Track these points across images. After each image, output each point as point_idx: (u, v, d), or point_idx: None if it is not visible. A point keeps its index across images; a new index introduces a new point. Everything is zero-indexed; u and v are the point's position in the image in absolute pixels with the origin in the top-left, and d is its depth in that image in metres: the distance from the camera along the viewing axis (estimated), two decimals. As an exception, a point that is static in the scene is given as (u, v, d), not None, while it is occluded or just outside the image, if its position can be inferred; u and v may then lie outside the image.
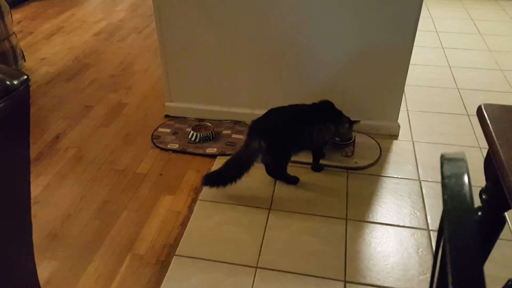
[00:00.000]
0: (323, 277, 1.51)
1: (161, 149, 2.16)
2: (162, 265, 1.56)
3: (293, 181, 1.93)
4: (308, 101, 1.92)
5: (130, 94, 2.65)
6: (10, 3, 2.84)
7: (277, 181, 1.94)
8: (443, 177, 0.51)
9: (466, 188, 0.49)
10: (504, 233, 1.16)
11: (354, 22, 2.00)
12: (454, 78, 2.82)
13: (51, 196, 1.89)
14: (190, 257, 1.59)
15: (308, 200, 1.85)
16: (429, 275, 1.52)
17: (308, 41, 2.09)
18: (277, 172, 1.93)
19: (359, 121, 1.99)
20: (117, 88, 2.72)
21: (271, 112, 1.85)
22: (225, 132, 2.27)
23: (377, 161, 2.06)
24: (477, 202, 1.07)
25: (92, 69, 2.94)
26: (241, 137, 2.22)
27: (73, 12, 3.94)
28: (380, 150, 2.13)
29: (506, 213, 1.06)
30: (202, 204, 1.83)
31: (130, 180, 1.97)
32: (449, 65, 2.99)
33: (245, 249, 1.62)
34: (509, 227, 1.70)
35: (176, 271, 1.54)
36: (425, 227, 1.72)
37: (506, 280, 1.22)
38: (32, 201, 1.02)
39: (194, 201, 1.85)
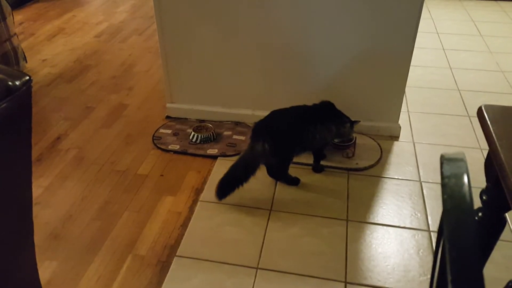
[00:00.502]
0: (324, 278, 1.51)
1: (162, 150, 2.17)
2: (163, 266, 1.57)
3: (294, 182, 1.93)
4: (309, 102, 1.93)
5: (131, 95, 2.66)
6: (11, 4, 2.85)
7: (278, 182, 1.94)
8: (442, 177, 0.51)
9: (466, 188, 0.49)
10: (505, 234, 1.16)
11: (355, 23, 2.00)
12: (455, 79, 2.82)
13: (52, 197, 1.89)
14: (191, 258, 1.59)
15: (308, 201, 1.85)
16: (429, 276, 1.52)
17: (309, 42, 2.09)
18: (279, 173, 1.93)
19: (360, 121, 2.00)
20: (118, 89, 2.72)
21: (274, 114, 1.85)
22: (226, 133, 2.27)
23: (378, 162, 2.06)
24: (478, 203, 1.07)
25: (93, 70, 2.95)
26: (242, 138, 2.22)
27: (75, 14, 3.95)
28: (381, 151, 2.13)
29: (506, 214, 1.07)
30: (203, 205, 1.83)
31: (131, 181, 1.98)
32: (450, 66, 2.99)
33: (246, 250, 1.62)
34: (510, 228, 1.70)
35: (177, 272, 1.54)
36: (426, 228, 1.72)
37: (506, 282, 1.22)
38: (33, 202, 1.03)
39: (195, 202, 1.85)
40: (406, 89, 2.24)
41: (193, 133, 2.21)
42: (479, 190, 1.07)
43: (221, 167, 2.03)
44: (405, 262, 1.58)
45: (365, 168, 2.02)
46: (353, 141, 2.09)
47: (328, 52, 2.10)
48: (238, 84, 2.27)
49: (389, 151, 2.15)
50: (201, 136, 2.19)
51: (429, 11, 3.97)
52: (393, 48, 2.03)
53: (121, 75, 2.89)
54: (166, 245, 1.65)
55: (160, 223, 1.75)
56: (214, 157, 2.11)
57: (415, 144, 2.20)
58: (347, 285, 1.49)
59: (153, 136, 2.26)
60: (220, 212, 1.79)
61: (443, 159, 0.53)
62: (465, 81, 2.79)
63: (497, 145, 0.89)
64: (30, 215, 1.02)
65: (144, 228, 1.73)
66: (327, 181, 1.97)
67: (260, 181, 1.92)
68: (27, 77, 0.81)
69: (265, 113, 1.88)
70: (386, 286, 1.49)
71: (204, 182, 1.96)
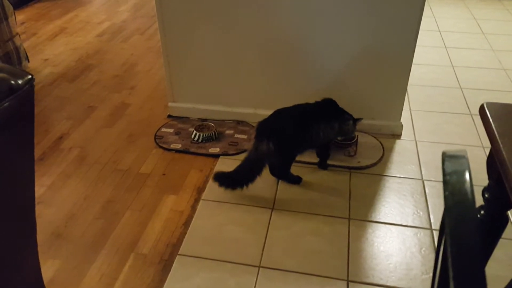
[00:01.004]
0: (326, 277, 1.52)
1: (164, 149, 2.17)
2: (165, 265, 1.57)
3: (296, 181, 1.93)
4: (311, 100, 1.93)
5: (133, 94, 2.66)
6: (13, 4, 2.85)
7: (280, 181, 1.94)
8: (444, 174, 0.51)
9: (468, 185, 0.49)
10: (507, 232, 1.16)
11: (357, 21, 2.00)
12: (457, 77, 2.81)
13: (55, 196, 1.90)
14: (193, 256, 1.60)
15: (310, 199, 1.85)
16: (432, 274, 1.52)
17: (311, 40, 2.09)
18: (281, 172, 1.93)
19: (363, 118, 2.00)
20: (120, 89, 2.73)
21: (277, 113, 1.85)
22: (228, 132, 2.27)
23: (380, 160, 2.06)
24: (480, 201, 1.07)
25: (95, 70, 2.95)
26: (244, 137, 2.22)
27: (77, 13, 3.95)
28: (383, 150, 2.13)
29: (509, 212, 1.06)
30: (205, 203, 1.84)
31: (133, 180, 1.98)
32: (452, 64, 2.98)
33: (248, 248, 1.63)
34: (513, 226, 1.69)
35: (179, 271, 1.54)
36: (428, 226, 1.72)
37: (509, 280, 1.21)
38: (36, 201, 1.03)
39: (197, 200, 1.86)
40: (408, 88, 2.24)
41: (195, 132, 2.21)
42: (481, 188, 1.07)
43: (223, 166, 2.03)
44: (407, 260, 1.58)
45: (367, 167, 2.02)
46: (355, 139, 2.09)
47: (329, 50, 2.10)
48: (239, 83, 2.27)
49: (391, 149, 2.15)
50: (203, 135, 2.19)
51: (431, 9, 3.96)
52: (395, 46, 2.03)
53: (123, 75, 2.90)
54: (168, 244, 1.65)
55: (162, 222, 1.75)
56: (216, 156, 2.11)
57: (417, 143, 2.19)
58: (349, 283, 1.50)
59: (155, 135, 2.27)
60: (222, 210, 1.80)
61: (445, 156, 0.53)
62: (467, 79, 2.78)
63: (499, 143, 0.89)
64: (33, 214, 1.02)
65: (146, 227, 1.73)
66: (329, 179, 1.97)
67: (262, 180, 1.92)
68: (30, 76, 0.81)
69: (267, 112, 1.88)
70: (388, 284, 1.49)
71: (206, 181, 1.96)
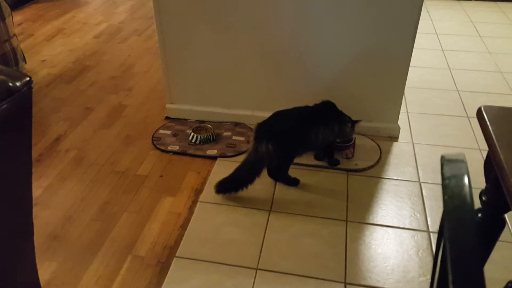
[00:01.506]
0: (323, 279, 1.51)
1: (162, 150, 2.17)
2: (163, 267, 1.56)
3: (293, 182, 1.93)
4: (309, 103, 1.93)
5: (130, 96, 2.66)
6: (11, 5, 2.85)
7: (278, 183, 1.94)
8: (443, 178, 0.51)
9: (466, 189, 0.49)
10: (504, 235, 1.16)
11: (355, 24, 2.00)
12: (454, 80, 2.82)
13: (52, 197, 1.89)
14: (190, 258, 1.59)
15: (308, 201, 1.85)
16: (429, 277, 1.52)
17: (308, 43, 2.09)
18: (279, 174, 1.93)
19: (361, 120, 2.00)
20: (118, 90, 2.72)
21: (276, 115, 1.86)
22: (225, 133, 2.27)
23: (377, 163, 2.07)
24: (477, 204, 1.07)
25: (92, 71, 2.95)
26: (242, 138, 2.22)
27: (74, 14, 3.94)
28: (380, 152, 2.13)
29: (506, 215, 1.07)
30: (203, 205, 1.83)
31: (131, 181, 1.98)
32: (449, 67, 2.99)
33: (246, 250, 1.62)
34: (509, 228, 1.70)
35: (177, 273, 1.54)
36: (425, 229, 1.72)
37: (506, 282, 1.22)
38: (33, 202, 1.03)
39: (194, 202, 1.85)
40: (405, 90, 2.25)
41: (192, 133, 2.21)
42: (479, 191, 1.07)
43: (220, 168, 2.03)
44: (405, 262, 1.58)
45: (365, 169, 2.03)
46: (352, 142, 2.10)
47: (327, 53, 2.10)
48: (237, 85, 2.27)
49: (388, 151, 2.15)
50: (200, 137, 2.19)
51: (428, 12, 3.98)
52: (392, 49, 2.03)
53: (121, 76, 2.89)
54: (165, 246, 1.65)
55: (159, 223, 1.75)
56: (213, 158, 2.11)
57: (414, 145, 2.20)
58: (347, 285, 1.50)
59: (153, 136, 2.26)
60: (219, 212, 1.79)
61: (444, 160, 0.53)
62: (464, 82, 2.79)
63: (497, 146, 0.90)
64: (30, 216, 1.02)
65: (144, 229, 1.73)
66: (327, 181, 1.97)
67: (259, 182, 1.92)
68: (28, 78, 0.81)
69: (265, 113, 1.88)
70: (386, 286, 1.49)
71: (203, 183, 1.96)
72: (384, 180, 1.97)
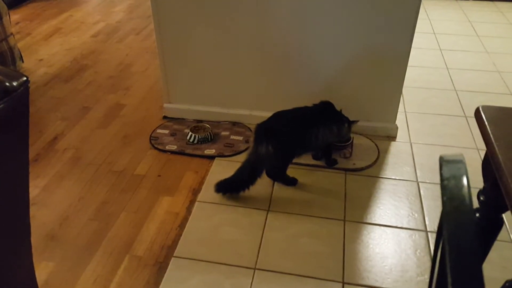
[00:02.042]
0: (321, 279, 1.51)
1: (160, 150, 2.16)
2: (161, 267, 1.56)
3: (291, 182, 1.93)
4: (307, 102, 1.93)
5: (128, 95, 2.65)
6: (8, 4, 2.84)
7: (276, 183, 1.94)
8: (442, 179, 0.51)
9: (465, 189, 0.49)
10: (502, 235, 1.16)
11: (353, 24, 2.00)
12: (451, 79, 2.82)
13: (49, 197, 1.88)
14: (188, 258, 1.59)
15: (306, 201, 1.85)
16: (427, 276, 1.52)
17: (306, 43, 2.09)
18: (277, 173, 1.93)
19: (359, 120, 2.01)
20: (115, 89, 2.71)
21: (276, 116, 1.85)
22: (223, 133, 2.27)
23: (375, 162, 2.07)
24: (475, 204, 1.07)
25: (90, 70, 2.94)
26: (240, 138, 2.22)
27: (71, 13, 3.93)
28: (378, 152, 2.13)
29: (503, 215, 1.07)
30: (201, 205, 1.83)
31: (128, 181, 1.97)
32: (446, 67, 2.99)
33: (244, 250, 1.62)
34: (507, 228, 1.70)
35: (175, 273, 1.54)
36: (423, 228, 1.72)
37: (503, 282, 1.22)
38: (30, 202, 1.02)
39: (192, 202, 1.85)
40: (403, 90, 2.25)
41: (190, 133, 2.20)
42: (477, 191, 1.07)
43: (218, 168, 2.03)
44: (403, 262, 1.58)
45: (362, 169, 2.03)
46: (350, 141, 2.10)
47: (325, 52, 2.10)
48: (235, 84, 2.27)
49: (386, 151, 2.15)
50: (198, 137, 2.19)
51: (426, 12, 3.98)
52: (390, 48, 2.03)
53: (118, 75, 2.88)
54: (163, 246, 1.65)
55: (157, 223, 1.75)
56: (211, 158, 2.11)
57: (412, 145, 2.20)
58: (345, 285, 1.50)
59: (150, 136, 2.26)
60: (217, 212, 1.79)
61: (442, 161, 0.53)
62: (462, 82, 2.79)
63: (495, 146, 0.90)
64: (27, 216, 1.01)
65: (142, 229, 1.72)
66: (325, 181, 1.97)
67: (257, 182, 1.92)
68: (25, 78, 0.81)
69: (263, 113, 1.88)
70: (384, 286, 1.49)
71: (201, 183, 1.95)
72: (382, 180, 1.97)
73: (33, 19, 3.79)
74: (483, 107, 1.02)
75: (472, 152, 2.14)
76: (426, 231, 1.71)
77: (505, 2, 4.19)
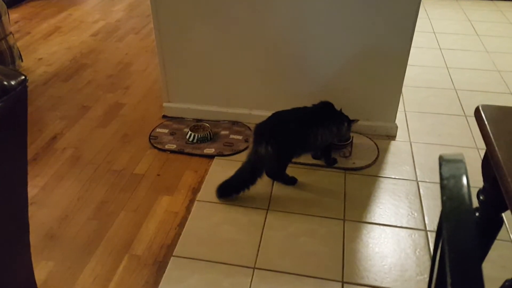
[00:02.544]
0: (320, 278, 1.51)
1: (159, 149, 2.16)
2: (160, 266, 1.56)
3: (291, 182, 1.93)
4: (306, 101, 1.92)
5: (127, 94, 2.65)
6: (7, 3, 2.83)
7: (275, 182, 1.94)
8: (441, 179, 0.51)
9: (465, 189, 0.49)
10: (501, 234, 1.16)
11: (353, 23, 2.00)
12: (451, 79, 2.82)
13: (48, 196, 1.88)
14: (187, 257, 1.59)
15: (306, 200, 1.85)
16: (426, 275, 1.52)
17: (306, 42, 2.09)
18: (276, 173, 1.92)
19: (358, 120, 2.00)
20: (115, 89, 2.71)
21: (275, 116, 1.85)
22: (223, 132, 2.26)
23: (374, 161, 2.07)
24: (475, 203, 1.07)
25: (89, 69, 2.94)
26: (239, 137, 2.22)
27: (71, 12, 3.93)
28: (378, 151, 2.13)
29: (503, 214, 1.07)
30: (200, 204, 1.83)
31: (128, 180, 1.97)
32: (446, 66, 2.99)
33: (243, 249, 1.62)
34: (507, 228, 1.70)
35: (174, 272, 1.53)
36: (422, 227, 1.72)
37: (503, 281, 1.22)
38: (29, 201, 1.02)
39: (191, 201, 1.85)
40: (403, 89, 2.25)
41: (190, 132, 2.20)
42: (476, 190, 1.07)
43: (218, 167, 2.03)
44: (402, 261, 1.58)
45: (362, 168, 2.03)
46: (350, 140, 2.09)
47: (325, 51, 2.10)
48: (235, 84, 2.27)
49: (386, 150, 2.15)
50: (198, 136, 2.18)
51: (426, 11, 3.97)
52: (390, 47, 2.03)
53: (118, 74, 2.88)
54: (162, 245, 1.65)
55: (156, 223, 1.75)
56: (211, 157, 2.10)
57: (412, 144, 2.20)
58: (344, 284, 1.49)
59: (150, 135, 2.26)
60: (217, 211, 1.79)
61: (442, 160, 0.53)
62: (461, 81, 2.79)
63: (495, 145, 0.89)
64: (25, 215, 1.01)
65: (141, 228, 1.72)
66: (324, 180, 1.97)
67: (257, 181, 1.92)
68: (23, 77, 0.81)
69: (263, 112, 1.88)
70: (383, 285, 1.49)
71: (201, 182, 1.95)
72: (382, 179, 1.97)
73: (32, 18, 3.78)
74: (483, 106, 1.02)
75: (472, 152, 2.14)
76: (426, 230, 1.71)
77: (505, 1, 4.19)
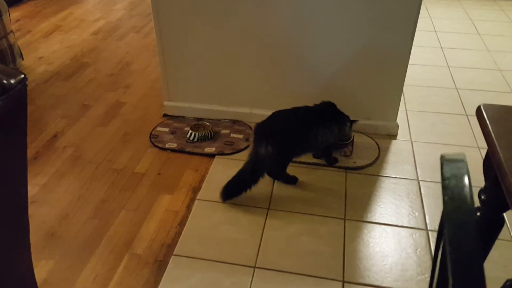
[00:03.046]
0: (321, 277, 1.51)
1: (160, 148, 2.16)
2: (160, 265, 1.56)
3: (291, 181, 1.93)
4: (307, 100, 1.92)
5: (128, 93, 2.65)
6: (8, 1, 2.83)
7: (276, 181, 1.94)
8: (443, 178, 0.50)
9: (467, 189, 0.48)
10: (503, 234, 1.16)
11: (354, 22, 2.00)
12: (452, 78, 2.82)
13: (48, 195, 1.88)
14: (188, 257, 1.59)
15: (306, 200, 1.85)
16: (427, 275, 1.52)
17: (307, 41, 2.08)
18: (277, 172, 1.92)
19: (358, 120, 2.00)
20: (116, 87, 2.71)
21: (276, 116, 1.84)
22: (223, 131, 2.26)
23: (375, 161, 2.06)
24: (476, 203, 1.06)
25: (90, 68, 2.94)
26: (240, 136, 2.22)
27: (71, 11, 3.93)
28: (379, 150, 2.13)
29: (505, 214, 1.06)
30: (201, 203, 1.83)
31: (128, 179, 1.97)
32: (447, 65, 2.99)
33: (244, 249, 1.62)
34: (508, 227, 1.70)
35: (174, 271, 1.53)
36: (423, 227, 1.72)
37: (504, 281, 1.21)
38: (29, 200, 1.02)
39: (192, 200, 1.85)
40: (404, 88, 2.24)
41: (190, 131, 2.20)
42: (478, 190, 1.06)
43: (218, 166, 2.03)
44: (403, 261, 1.57)
45: (363, 167, 2.02)
46: (351, 140, 2.09)
47: (326, 50, 2.09)
48: (236, 82, 2.26)
49: (387, 149, 2.15)
50: (198, 135, 2.18)
51: (427, 10, 3.97)
52: (391, 46, 2.02)
53: (118, 73, 2.88)
54: (163, 244, 1.64)
55: (157, 222, 1.74)
56: (211, 156, 2.10)
57: (413, 143, 2.19)
58: (345, 284, 1.49)
59: (150, 134, 2.25)
60: (217, 210, 1.79)
61: (444, 160, 0.52)
62: (463, 80, 2.79)
63: (496, 144, 0.89)
64: (26, 214, 1.01)
65: (141, 227, 1.72)
66: (325, 180, 1.96)
67: (257, 180, 1.91)
68: (22, 76, 0.80)
69: (263, 111, 1.88)
70: (384, 285, 1.49)
71: (201, 181, 1.95)
72: (383, 178, 1.97)
73: (33, 16, 3.78)
74: (484, 105, 1.01)
75: (473, 151, 2.14)
76: (427, 230, 1.70)
77: (506, 0, 4.18)
